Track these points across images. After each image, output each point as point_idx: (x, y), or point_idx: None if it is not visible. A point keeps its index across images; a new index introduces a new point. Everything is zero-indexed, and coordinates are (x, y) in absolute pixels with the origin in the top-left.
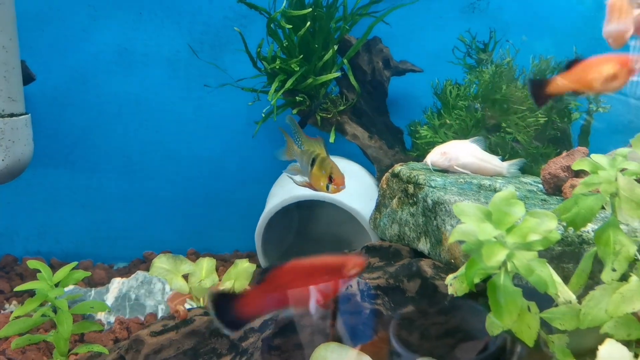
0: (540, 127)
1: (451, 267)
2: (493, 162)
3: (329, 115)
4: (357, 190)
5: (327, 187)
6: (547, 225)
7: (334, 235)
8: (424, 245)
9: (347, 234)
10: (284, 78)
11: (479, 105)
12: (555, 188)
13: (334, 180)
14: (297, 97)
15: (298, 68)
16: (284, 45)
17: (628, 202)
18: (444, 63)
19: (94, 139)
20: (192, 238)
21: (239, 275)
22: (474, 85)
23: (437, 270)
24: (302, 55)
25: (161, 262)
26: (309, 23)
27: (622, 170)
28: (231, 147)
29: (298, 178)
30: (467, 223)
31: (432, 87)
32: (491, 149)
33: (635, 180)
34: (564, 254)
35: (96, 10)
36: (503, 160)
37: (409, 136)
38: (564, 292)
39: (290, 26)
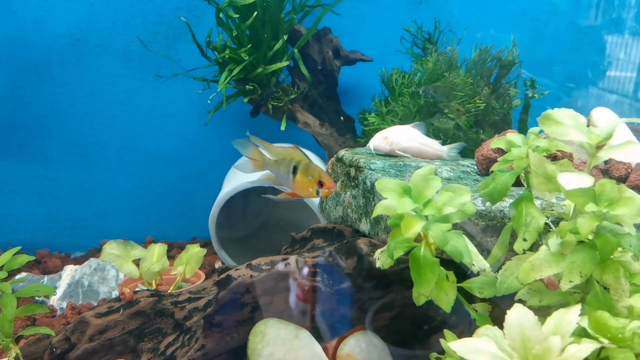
0: (481, 113)
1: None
2: (433, 146)
3: (280, 104)
4: None
5: (317, 192)
6: (461, 198)
7: (288, 221)
8: (364, 226)
9: (300, 219)
10: (234, 67)
11: (431, 91)
12: (487, 169)
13: (325, 184)
14: (247, 86)
15: (247, 57)
16: (234, 35)
17: (538, 177)
18: (393, 53)
19: (49, 130)
20: (150, 227)
21: (190, 260)
22: (419, 73)
23: (373, 247)
24: (250, 45)
25: (111, 248)
26: (255, 12)
27: (536, 147)
28: (186, 136)
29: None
30: (389, 198)
31: (380, 76)
32: (434, 134)
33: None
34: (488, 229)
35: (48, 1)
36: (444, 144)
37: (360, 124)
38: (479, 262)
39: (238, 15)
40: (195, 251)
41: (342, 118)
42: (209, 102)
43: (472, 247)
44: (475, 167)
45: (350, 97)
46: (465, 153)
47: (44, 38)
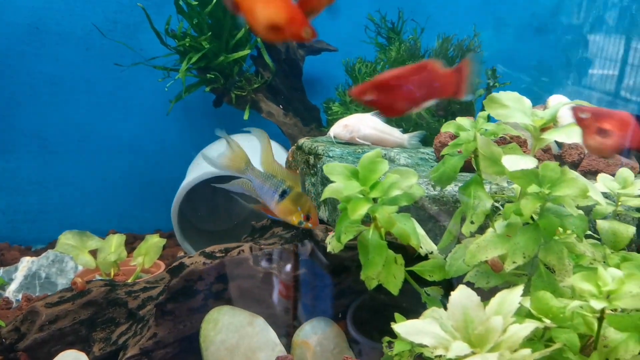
0: (443, 102)
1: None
2: (394, 134)
3: (243, 93)
4: None
5: (300, 222)
6: (408, 181)
7: (251, 211)
8: (323, 213)
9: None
10: (194, 55)
11: None
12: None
13: (312, 219)
14: (208, 75)
15: (208, 45)
16: (194, 22)
17: (485, 159)
18: (358, 42)
19: (9, 120)
20: (113, 219)
21: (149, 250)
22: (382, 62)
23: (329, 234)
24: (211, 33)
25: (67, 239)
26: (215, 0)
27: (484, 131)
28: (149, 127)
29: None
30: (337, 181)
31: (344, 65)
32: (396, 123)
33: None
34: (441, 213)
35: None
36: (405, 132)
37: (324, 113)
38: (426, 244)
39: (196, 2)
40: (154, 241)
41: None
42: (166, 89)
43: (420, 230)
44: (434, 154)
45: (316, 87)
46: (427, 142)
47: (2, 27)
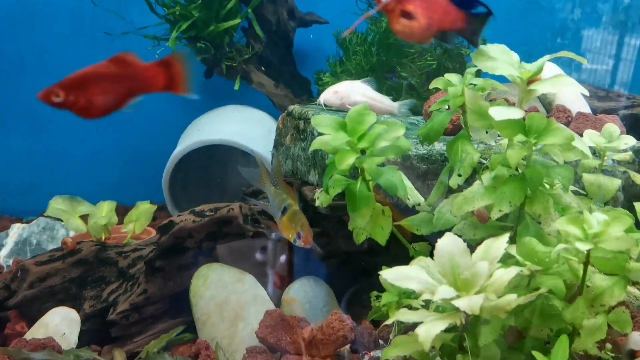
0: (434, 73)
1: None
2: (384, 101)
3: (234, 64)
4: (262, 135)
5: (295, 240)
6: (395, 132)
7: (242, 179)
8: (313, 177)
9: (250, 166)
10: (184, 24)
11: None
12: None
13: (303, 237)
14: (198, 44)
15: (198, 14)
16: None
17: (472, 113)
18: (349, 15)
19: None
20: (104, 191)
21: (140, 216)
22: (372, 33)
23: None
24: (201, 1)
25: (57, 203)
26: None
27: (471, 86)
28: (140, 101)
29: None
30: (325, 133)
31: (335, 36)
32: (387, 92)
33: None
34: (429, 172)
35: None
36: (395, 101)
37: (315, 85)
38: (414, 196)
39: None
40: (145, 207)
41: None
42: (156, 56)
43: (407, 182)
44: (424, 121)
45: (307, 59)
46: (418, 111)
47: None
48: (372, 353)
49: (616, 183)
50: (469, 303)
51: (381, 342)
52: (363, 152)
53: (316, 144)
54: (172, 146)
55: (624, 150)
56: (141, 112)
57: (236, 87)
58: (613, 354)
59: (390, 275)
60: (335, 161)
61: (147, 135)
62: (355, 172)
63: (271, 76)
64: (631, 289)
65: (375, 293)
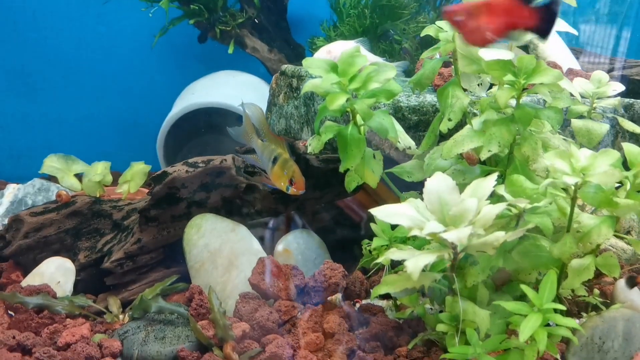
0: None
1: (326, 148)
2: (378, 62)
3: (228, 28)
4: (255, 98)
5: (287, 188)
6: (386, 74)
7: (235, 141)
8: (306, 135)
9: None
10: None
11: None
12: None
13: (295, 183)
14: (192, 6)
15: None
16: None
17: (463, 58)
18: None
19: None
20: (98, 157)
21: (134, 176)
22: None
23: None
24: None
25: (51, 161)
26: None
27: None
28: (135, 64)
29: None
30: (316, 74)
31: (329, 0)
32: (380, 55)
33: None
34: (421, 123)
35: None
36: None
37: (309, 50)
38: (405, 139)
39: None
40: (139, 168)
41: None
42: (150, 15)
43: (398, 126)
44: None
45: (301, 24)
46: (410, 72)
47: None
48: (363, 301)
49: (604, 128)
50: (457, 235)
51: (372, 291)
52: (355, 96)
53: (308, 86)
54: (166, 111)
55: (613, 97)
56: (135, 76)
57: (230, 50)
58: (601, 299)
59: (380, 212)
60: (326, 103)
61: (141, 100)
62: (346, 119)
63: (265, 41)
64: (619, 242)
65: (366, 241)
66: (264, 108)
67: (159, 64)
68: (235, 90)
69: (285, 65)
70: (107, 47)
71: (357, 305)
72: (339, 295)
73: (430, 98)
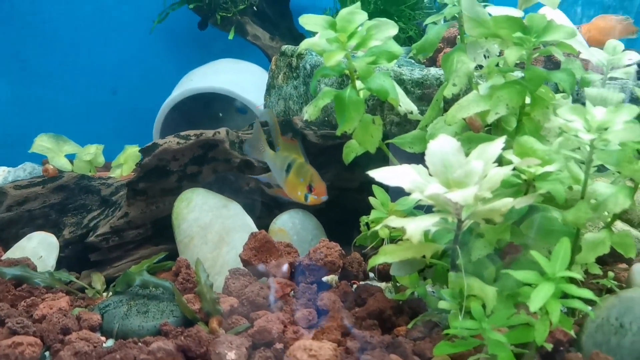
0: None
1: (324, 123)
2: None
3: (229, 14)
4: (254, 85)
5: (306, 197)
6: (387, 31)
7: (235, 126)
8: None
9: (246, 124)
10: None
11: None
12: (431, 60)
13: (315, 189)
14: None
15: None
16: None
17: (470, 21)
18: None
19: None
20: (94, 143)
21: (127, 159)
22: None
23: (308, 123)
24: None
25: (42, 141)
26: None
27: None
28: (132, 52)
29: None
30: (314, 30)
31: None
32: None
33: None
34: (424, 97)
35: None
36: None
37: None
38: (406, 103)
39: None
40: (133, 151)
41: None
42: None
43: (399, 89)
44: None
45: (304, 12)
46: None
47: None
48: (361, 283)
49: (619, 97)
50: (462, 195)
51: (371, 274)
52: (354, 57)
53: (304, 44)
54: (164, 97)
55: (628, 66)
56: (134, 64)
57: (230, 36)
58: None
59: (379, 174)
60: (324, 59)
61: (139, 88)
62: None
63: (267, 29)
64: (633, 231)
65: (364, 218)
66: (262, 95)
67: (158, 50)
68: (235, 75)
69: (285, 46)
70: (105, 32)
71: (355, 287)
72: (335, 277)
73: (434, 71)
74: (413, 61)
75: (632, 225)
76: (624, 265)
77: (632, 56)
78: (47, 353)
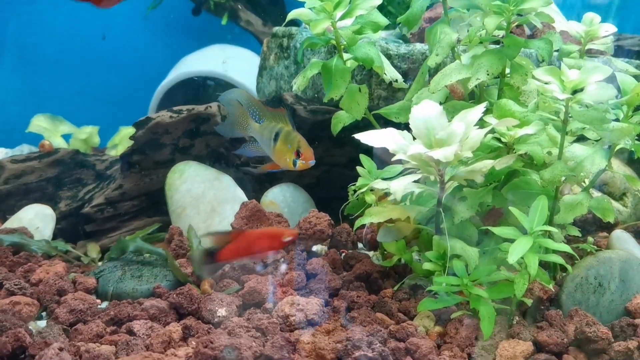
0: None
1: (314, 100)
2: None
3: (222, 1)
4: (247, 70)
5: (294, 163)
6: (370, 1)
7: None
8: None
9: None
10: None
11: None
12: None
13: (302, 154)
14: None
15: None
16: None
17: None
18: None
19: None
20: None
21: (122, 140)
22: None
23: (298, 99)
24: None
25: (39, 121)
26: None
27: None
28: (129, 40)
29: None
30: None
31: None
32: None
33: None
34: (410, 71)
35: None
36: None
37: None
38: (391, 72)
39: None
40: (128, 132)
41: None
42: None
43: (384, 59)
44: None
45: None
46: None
47: None
48: (349, 252)
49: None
50: (443, 152)
51: (360, 244)
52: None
53: (292, 14)
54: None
55: (605, 37)
56: (129, 52)
57: (223, 22)
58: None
59: (364, 136)
60: (310, 27)
61: (135, 76)
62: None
63: (259, 15)
64: (614, 203)
65: (352, 187)
66: (255, 80)
67: (153, 37)
68: (227, 60)
69: (277, 27)
70: (100, 19)
71: (343, 255)
72: (324, 247)
73: (420, 46)
74: (401, 41)
75: (614, 198)
76: (604, 234)
77: (608, 28)
78: (44, 314)
